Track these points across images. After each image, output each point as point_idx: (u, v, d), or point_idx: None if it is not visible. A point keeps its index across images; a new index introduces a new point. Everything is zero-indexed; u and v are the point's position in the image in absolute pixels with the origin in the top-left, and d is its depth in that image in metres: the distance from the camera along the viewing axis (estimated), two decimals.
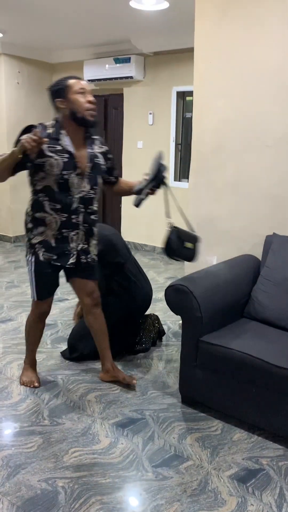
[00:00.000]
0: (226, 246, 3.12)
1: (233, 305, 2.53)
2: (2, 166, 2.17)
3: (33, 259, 2.36)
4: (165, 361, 2.96)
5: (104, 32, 5.02)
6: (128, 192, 2.55)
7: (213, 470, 1.97)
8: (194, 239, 2.44)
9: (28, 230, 2.36)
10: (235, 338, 2.28)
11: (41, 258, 2.33)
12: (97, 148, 2.38)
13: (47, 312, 2.54)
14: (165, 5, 3.84)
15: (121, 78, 5.58)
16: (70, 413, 2.36)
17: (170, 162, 5.58)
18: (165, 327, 3.46)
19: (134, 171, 5.93)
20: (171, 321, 3.62)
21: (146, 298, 3.10)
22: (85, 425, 2.26)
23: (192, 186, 3.35)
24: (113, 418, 2.33)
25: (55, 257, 2.34)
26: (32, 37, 5.34)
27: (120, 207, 6.21)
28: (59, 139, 2.22)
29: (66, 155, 2.22)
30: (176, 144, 5.57)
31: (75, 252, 2.36)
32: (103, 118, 6.27)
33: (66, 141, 2.23)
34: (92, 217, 2.38)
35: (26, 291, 4.23)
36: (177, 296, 2.33)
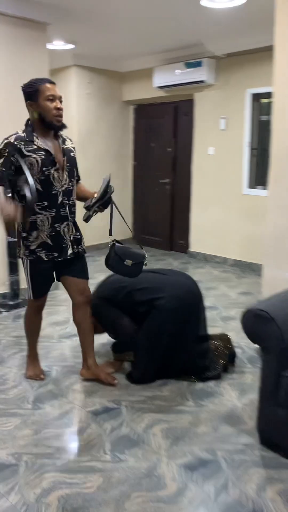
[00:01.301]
0: None
1: None
2: None
3: (28, 262, 2.49)
4: (239, 391, 2.65)
5: (174, 37, 4.85)
6: (83, 200, 2.59)
7: None
8: (135, 257, 2.52)
9: (23, 239, 2.46)
10: None
11: (45, 259, 2.46)
12: (70, 144, 2.56)
13: (42, 305, 2.69)
14: (242, 0, 3.57)
15: (192, 83, 5.36)
16: (133, 447, 2.14)
17: (243, 168, 5.25)
18: (238, 350, 3.15)
19: (204, 179, 5.67)
20: (245, 343, 3.29)
21: (179, 299, 2.68)
22: (149, 464, 2.03)
23: (272, 195, 3.03)
24: (181, 457, 2.07)
25: (56, 254, 2.47)
26: (102, 47, 5.30)
27: (189, 216, 5.96)
28: (33, 140, 2.37)
29: (43, 153, 2.36)
30: (251, 149, 5.23)
31: (69, 243, 2.51)
32: (172, 126, 6.09)
33: (40, 141, 2.38)
34: (73, 209, 2.54)
35: None
36: (256, 323, 2.04)
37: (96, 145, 6.19)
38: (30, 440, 2.19)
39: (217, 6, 3.71)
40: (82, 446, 2.16)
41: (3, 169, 2.31)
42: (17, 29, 3.93)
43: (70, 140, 2.61)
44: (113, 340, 2.99)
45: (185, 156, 5.96)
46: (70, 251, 2.52)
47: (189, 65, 5.32)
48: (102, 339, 3.32)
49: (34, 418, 2.37)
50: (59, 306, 4.00)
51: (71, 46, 5.13)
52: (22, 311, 3.89)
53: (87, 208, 2.45)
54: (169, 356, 2.69)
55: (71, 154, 2.53)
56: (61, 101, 2.39)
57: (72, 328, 3.54)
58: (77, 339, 3.32)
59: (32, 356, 2.83)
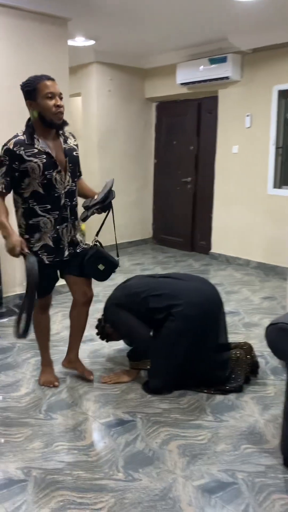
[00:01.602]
0: None
1: None
2: None
3: None
4: (262, 406, 2.50)
5: (198, 32, 4.69)
6: (82, 197, 2.59)
7: None
8: (108, 263, 2.53)
9: (26, 241, 2.39)
10: None
11: (47, 261, 2.43)
12: (73, 141, 2.49)
13: (47, 304, 2.64)
14: None
15: (216, 79, 5.18)
16: (148, 465, 2.02)
17: (269, 167, 5.06)
18: (261, 360, 2.99)
19: (228, 178, 5.50)
20: (268, 353, 3.13)
21: (198, 306, 2.55)
22: (165, 485, 1.91)
23: None
24: (199, 478, 1.95)
25: (54, 255, 2.45)
26: (124, 43, 5.17)
27: (211, 217, 5.80)
28: (33, 143, 2.30)
29: (44, 156, 2.30)
30: (277, 148, 5.03)
31: (66, 245, 2.48)
32: (196, 123, 5.92)
33: (40, 143, 2.31)
34: (76, 209, 2.51)
35: None
36: (281, 337, 1.89)
37: (117, 143, 6.09)
38: (41, 454, 2.10)
39: None
40: (94, 462, 2.06)
41: (8, 178, 2.28)
42: (37, 25, 3.85)
43: (73, 136, 2.53)
44: (129, 347, 2.88)
45: (208, 154, 5.80)
46: (66, 252, 2.49)
47: (213, 61, 5.14)
48: (118, 345, 3.22)
49: (46, 429, 2.28)
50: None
51: (92, 42, 5.03)
52: (5, 320, 3.76)
53: (86, 208, 2.45)
54: (187, 366, 2.56)
55: (74, 153, 2.46)
56: (61, 98, 2.29)
57: (89, 332, 3.44)
58: (94, 344, 3.25)
59: (45, 362, 2.77)
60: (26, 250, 2.29)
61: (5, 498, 1.83)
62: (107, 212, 2.46)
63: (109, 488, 1.89)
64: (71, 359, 2.79)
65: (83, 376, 2.76)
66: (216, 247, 5.80)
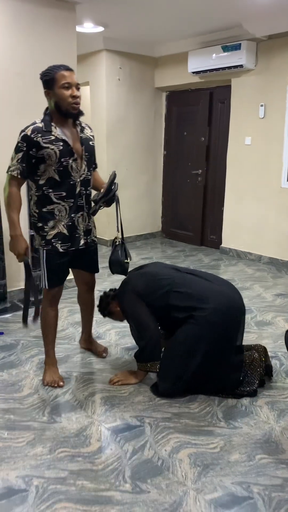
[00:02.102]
0: None
1: None
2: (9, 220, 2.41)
3: (45, 252, 2.44)
4: (278, 412, 2.36)
5: (211, 18, 4.49)
6: (94, 190, 2.61)
7: None
8: (130, 256, 2.66)
9: (39, 229, 2.43)
10: None
11: (61, 250, 2.43)
12: (89, 132, 2.50)
13: (58, 296, 2.59)
14: None
15: (229, 67, 4.99)
16: (157, 476, 1.90)
17: (284, 160, 4.88)
18: (275, 362, 2.86)
19: (240, 170, 5.33)
20: (283, 353, 3.00)
21: (222, 314, 2.39)
22: (175, 498, 1.79)
23: None
24: (211, 491, 1.82)
25: (70, 244, 2.45)
26: (134, 30, 4.99)
27: (222, 210, 5.63)
28: (51, 130, 2.31)
29: (61, 143, 2.31)
30: None
31: (82, 233, 2.49)
32: (207, 113, 5.74)
33: (58, 131, 2.33)
34: (90, 199, 2.50)
35: None
36: None
37: (126, 134, 5.93)
38: (43, 461, 1.98)
39: None
40: (99, 471, 1.94)
41: (23, 164, 2.31)
42: (44, 9, 3.69)
43: (90, 128, 2.55)
44: (136, 346, 2.75)
45: (220, 146, 5.62)
46: (82, 241, 2.51)
47: (226, 48, 4.95)
48: (126, 344, 3.10)
49: (49, 434, 2.17)
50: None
51: (101, 28, 4.86)
52: (9, 316, 3.65)
53: (94, 201, 2.47)
54: (201, 371, 2.42)
55: (90, 143, 2.47)
56: (78, 88, 2.31)
57: (96, 329, 3.33)
58: (100, 341, 3.12)
59: (50, 360, 2.68)
60: (28, 257, 2.45)
61: (4, 509, 1.72)
62: (115, 204, 2.46)
63: (115, 500, 1.77)
64: (86, 338, 2.99)
65: (97, 354, 2.93)
66: (227, 241, 5.64)
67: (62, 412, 2.35)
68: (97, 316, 2.94)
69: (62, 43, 3.85)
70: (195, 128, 5.91)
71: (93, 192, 2.54)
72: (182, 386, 2.44)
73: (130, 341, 3.16)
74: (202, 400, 2.45)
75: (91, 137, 2.51)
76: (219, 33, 4.99)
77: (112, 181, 2.39)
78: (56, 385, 2.59)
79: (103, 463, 1.98)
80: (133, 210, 6.02)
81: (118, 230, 2.61)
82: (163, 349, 2.54)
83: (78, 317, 3.61)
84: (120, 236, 2.63)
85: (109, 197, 2.40)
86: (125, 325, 3.43)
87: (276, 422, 2.27)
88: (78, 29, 4.46)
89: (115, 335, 3.29)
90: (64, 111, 2.30)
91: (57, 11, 3.77)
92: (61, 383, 2.60)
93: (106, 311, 2.77)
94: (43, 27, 3.72)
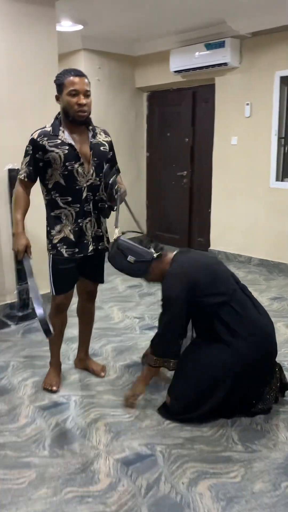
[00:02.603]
0: None
1: None
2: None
3: (51, 257, 2.43)
4: None
5: (193, 15, 4.35)
6: None
7: None
8: (139, 254, 2.31)
9: (47, 233, 2.44)
10: None
11: (66, 255, 2.39)
12: (103, 137, 2.46)
13: (64, 304, 2.55)
14: None
15: (213, 66, 4.86)
16: (175, 509, 1.73)
17: (271, 159, 4.78)
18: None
19: (227, 171, 5.20)
20: None
21: (260, 349, 2.24)
22: None
23: None
24: None
25: (77, 249, 2.40)
26: (114, 27, 4.81)
27: (210, 212, 5.50)
28: (58, 134, 2.30)
29: (66, 147, 2.29)
30: (279, 138, 4.75)
31: (91, 240, 2.43)
32: (191, 113, 5.60)
33: (65, 135, 2.31)
34: (100, 205, 2.44)
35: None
36: None
37: None
38: (48, 505, 1.78)
39: None
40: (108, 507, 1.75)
41: (30, 167, 2.32)
42: (21, 4, 3.45)
43: (106, 133, 2.51)
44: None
45: (205, 146, 5.48)
46: (91, 248, 2.44)
47: (210, 46, 4.82)
48: (125, 360, 2.91)
49: (53, 471, 1.96)
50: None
51: (79, 27, 4.65)
52: (33, 323, 3.51)
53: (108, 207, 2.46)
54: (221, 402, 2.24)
55: (101, 148, 2.42)
56: (87, 96, 2.27)
57: (90, 345, 3.12)
58: (96, 359, 2.92)
59: (53, 363, 2.68)
60: (29, 256, 2.37)
61: None
62: (123, 203, 2.40)
63: None
64: (81, 357, 2.82)
65: (95, 374, 2.75)
66: (215, 243, 5.52)
67: (64, 443, 2.15)
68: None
69: (43, 40, 3.63)
70: (179, 129, 5.76)
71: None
72: (193, 411, 2.25)
73: (129, 357, 2.98)
74: (214, 422, 2.28)
75: (104, 143, 2.45)
76: (202, 31, 4.85)
77: (108, 182, 2.33)
78: (50, 388, 2.58)
79: (116, 503, 1.79)
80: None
81: (117, 226, 2.35)
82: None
83: (71, 332, 3.41)
84: (119, 234, 2.35)
85: (112, 198, 2.35)
86: (121, 339, 3.26)
87: None
88: (57, 28, 4.24)
89: (111, 350, 3.09)
90: (71, 117, 2.29)
91: (37, 7, 3.55)
92: (55, 388, 2.58)
93: (145, 267, 2.30)
94: (22, 24, 3.49)
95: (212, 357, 2.22)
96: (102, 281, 2.64)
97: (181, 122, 5.72)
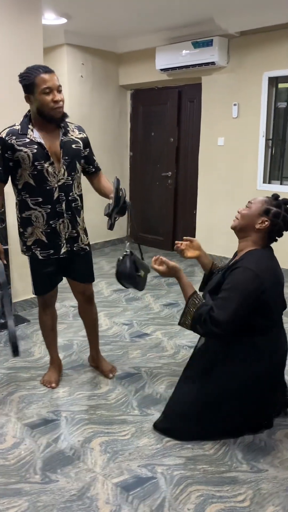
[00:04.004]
0: None
1: None
2: None
3: (29, 258, 2.42)
4: None
5: (180, 12, 4.23)
6: (104, 196, 2.49)
7: None
8: (146, 268, 2.40)
9: (20, 234, 2.40)
10: None
11: (40, 257, 2.36)
12: (76, 134, 2.37)
13: (50, 302, 2.56)
14: None
15: (200, 65, 4.76)
16: None
17: (258, 161, 4.71)
18: None
19: (213, 172, 5.11)
20: None
21: (277, 371, 2.16)
22: None
23: None
24: None
25: (52, 251, 2.36)
26: (97, 22, 4.64)
27: (195, 214, 5.40)
28: (26, 133, 2.22)
29: (35, 146, 2.21)
30: (266, 140, 4.69)
31: (64, 241, 2.38)
32: (176, 113, 5.48)
33: (34, 133, 2.23)
34: (73, 204, 2.37)
35: None
36: None
37: (89, 133, 5.37)
38: None
39: None
40: None
41: (0, 168, 2.23)
42: None
43: (79, 129, 2.41)
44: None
45: (191, 147, 5.38)
46: (63, 250, 2.38)
47: (197, 44, 4.71)
48: (117, 372, 2.76)
49: (46, 499, 1.80)
50: (61, 324, 3.40)
51: (63, 20, 4.46)
52: (16, 330, 3.31)
53: (108, 215, 2.23)
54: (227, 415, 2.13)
55: (73, 146, 2.32)
56: (59, 91, 2.17)
57: (78, 355, 2.96)
58: (85, 369, 2.76)
59: (52, 360, 2.70)
60: (3, 261, 2.23)
61: None
62: (127, 212, 2.28)
63: None
64: (93, 357, 2.82)
65: (103, 374, 2.74)
66: (201, 246, 5.41)
67: (57, 466, 1.99)
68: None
69: (28, 32, 3.46)
70: (164, 128, 5.63)
71: (100, 198, 2.44)
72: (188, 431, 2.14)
73: (120, 368, 2.84)
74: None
75: (77, 140, 2.36)
76: (189, 28, 4.74)
77: (117, 189, 2.18)
78: (48, 385, 2.61)
79: None
80: (99, 215, 5.59)
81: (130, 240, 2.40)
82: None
83: (59, 340, 3.25)
84: (127, 247, 2.39)
85: (121, 206, 2.19)
86: (111, 347, 3.10)
87: None
88: None
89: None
90: (47, 116, 2.19)
91: None
92: (54, 385, 2.60)
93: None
94: (6, 15, 3.30)
95: (226, 376, 2.08)
96: (90, 280, 2.58)
97: (166, 121, 5.60)
